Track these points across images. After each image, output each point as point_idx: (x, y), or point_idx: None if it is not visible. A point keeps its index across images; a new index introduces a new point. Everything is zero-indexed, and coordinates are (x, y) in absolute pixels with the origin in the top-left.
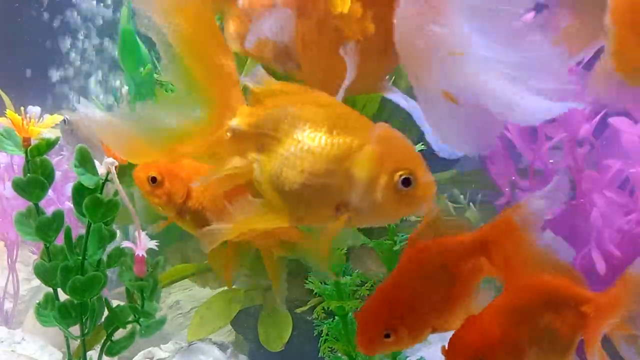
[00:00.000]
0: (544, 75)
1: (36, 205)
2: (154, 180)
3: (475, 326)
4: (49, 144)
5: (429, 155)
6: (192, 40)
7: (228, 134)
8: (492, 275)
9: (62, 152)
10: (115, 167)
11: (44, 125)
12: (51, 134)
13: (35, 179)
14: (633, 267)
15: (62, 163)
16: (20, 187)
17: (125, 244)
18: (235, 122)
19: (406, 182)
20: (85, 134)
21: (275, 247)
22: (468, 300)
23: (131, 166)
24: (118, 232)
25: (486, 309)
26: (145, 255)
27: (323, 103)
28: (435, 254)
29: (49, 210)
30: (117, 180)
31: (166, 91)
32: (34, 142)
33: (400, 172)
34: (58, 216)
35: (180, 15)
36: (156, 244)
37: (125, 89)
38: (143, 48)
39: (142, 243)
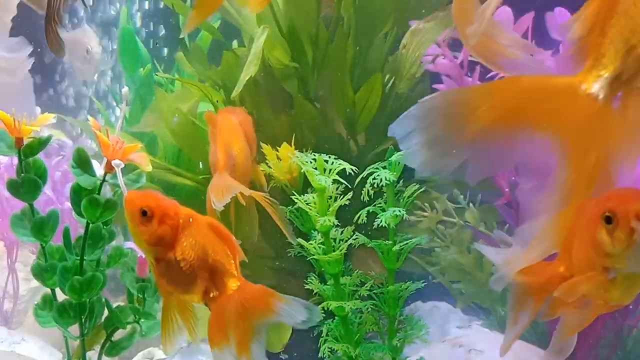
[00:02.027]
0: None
1: (31, 205)
2: (144, 213)
3: None
4: (41, 143)
5: None
6: None
7: (599, 95)
8: None
9: (62, 152)
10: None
11: (35, 124)
12: (43, 132)
13: (29, 179)
14: None
15: (62, 163)
16: (15, 188)
17: (128, 245)
18: (596, 84)
19: None
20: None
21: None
22: None
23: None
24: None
25: None
26: None
27: None
28: None
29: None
30: (122, 182)
31: (165, 91)
32: (26, 142)
33: None
34: (53, 216)
35: None
36: None
37: (125, 89)
38: (143, 48)
39: None
